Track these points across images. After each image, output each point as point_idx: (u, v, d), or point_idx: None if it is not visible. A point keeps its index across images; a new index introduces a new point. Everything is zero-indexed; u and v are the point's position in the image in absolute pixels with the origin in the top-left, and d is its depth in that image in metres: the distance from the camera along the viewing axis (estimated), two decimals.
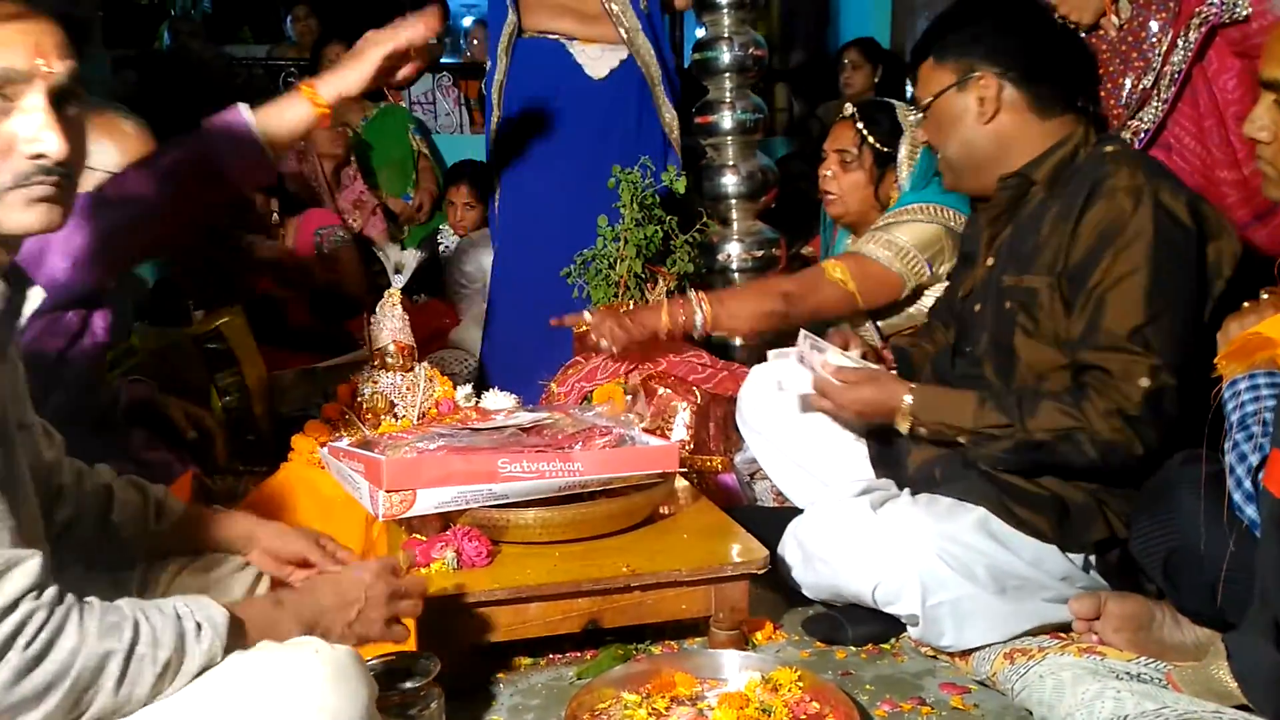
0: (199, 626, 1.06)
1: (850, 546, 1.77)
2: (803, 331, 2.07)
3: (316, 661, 1.08)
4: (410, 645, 1.62)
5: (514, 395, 2.52)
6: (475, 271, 3.55)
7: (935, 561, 1.70)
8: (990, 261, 1.91)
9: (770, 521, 1.99)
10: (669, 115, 2.87)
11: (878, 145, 2.54)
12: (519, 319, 2.91)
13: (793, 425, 2.12)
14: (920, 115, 1.98)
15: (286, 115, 1.91)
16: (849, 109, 2.63)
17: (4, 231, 1.08)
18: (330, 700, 1.06)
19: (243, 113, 1.88)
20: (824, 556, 1.81)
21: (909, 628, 1.78)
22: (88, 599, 1.02)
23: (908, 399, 1.84)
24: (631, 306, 2.58)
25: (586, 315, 2.39)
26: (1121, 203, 1.69)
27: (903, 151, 2.53)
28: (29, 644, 0.94)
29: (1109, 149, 1.80)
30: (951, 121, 1.90)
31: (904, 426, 1.86)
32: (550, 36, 2.81)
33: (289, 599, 1.23)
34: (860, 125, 2.55)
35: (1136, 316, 1.65)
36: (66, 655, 0.96)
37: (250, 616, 1.14)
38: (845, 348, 2.01)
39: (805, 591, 1.91)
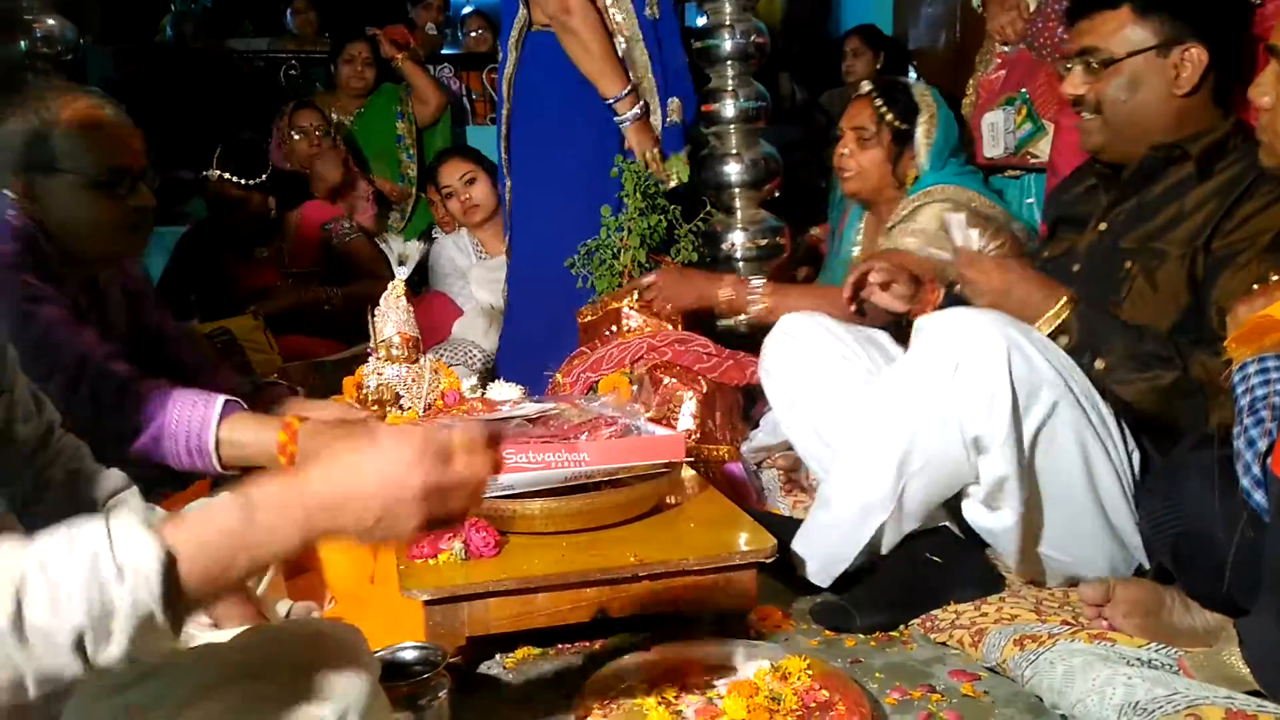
0: (119, 572, 0.80)
1: (930, 332, 1.72)
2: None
3: (319, 642, 1.05)
4: (419, 635, 1.63)
5: (521, 386, 2.52)
6: (447, 265, 3.52)
7: (1019, 335, 1.65)
8: (1103, 226, 1.87)
9: (779, 525, 1.98)
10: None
11: (896, 123, 2.53)
12: (534, 310, 2.90)
13: (821, 373, 2.06)
14: (1085, 65, 1.83)
15: (249, 442, 1.75)
16: (866, 86, 2.64)
17: None
18: (335, 682, 1.01)
19: (212, 419, 1.73)
20: (898, 357, 1.80)
21: (964, 500, 1.78)
22: None
23: (1064, 298, 1.76)
24: (636, 295, 2.57)
25: (649, 278, 2.37)
26: None
27: (920, 130, 2.52)
28: None
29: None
30: (1136, 84, 1.79)
31: (1047, 327, 1.75)
32: None
33: (268, 501, 0.88)
34: (878, 102, 2.55)
35: None
36: None
37: (209, 533, 0.86)
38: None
39: (812, 574, 1.89)
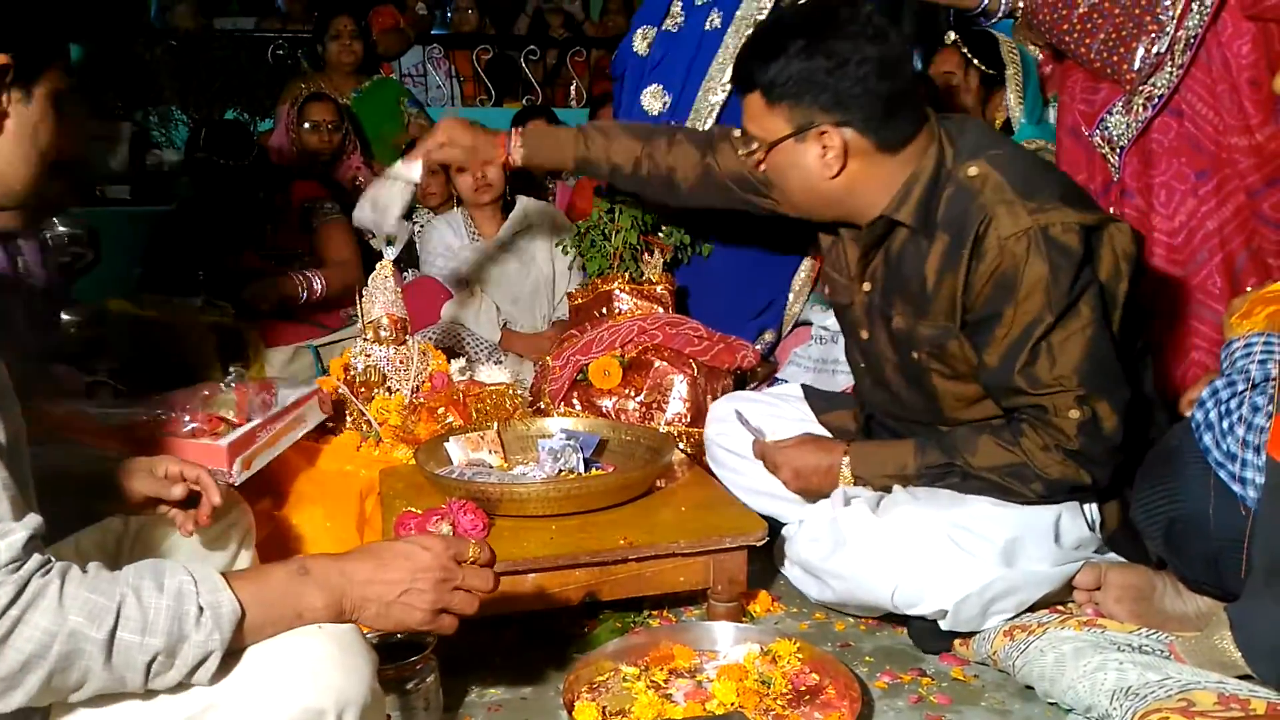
0: (200, 611, 0.96)
1: (859, 556, 1.68)
2: (737, 411, 2.04)
3: (318, 638, 1.05)
4: None
5: (508, 371, 2.50)
6: (438, 244, 3.45)
7: (953, 553, 1.63)
8: (867, 287, 1.82)
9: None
10: None
11: (984, 68, 2.59)
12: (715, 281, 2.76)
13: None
14: (755, 149, 1.75)
15: None
16: (951, 36, 2.73)
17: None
18: (335, 678, 1.03)
19: None
20: (834, 571, 1.72)
21: (938, 622, 1.69)
22: (82, 571, 0.94)
23: (845, 459, 1.80)
24: (627, 278, 2.55)
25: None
26: (1013, 251, 1.57)
27: (1010, 83, 2.59)
28: None
29: (972, 171, 1.64)
30: (793, 169, 1.72)
31: (846, 483, 1.81)
32: None
33: (318, 567, 1.08)
34: (965, 50, 2.61)
35: (1050, 359, 1.60)
36: (40, 635, 0.89)
37: (268, 588, 1.03)
38: None
39: (814, 599, 1.85)
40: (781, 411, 2.05)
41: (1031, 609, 1.68)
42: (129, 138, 4.35)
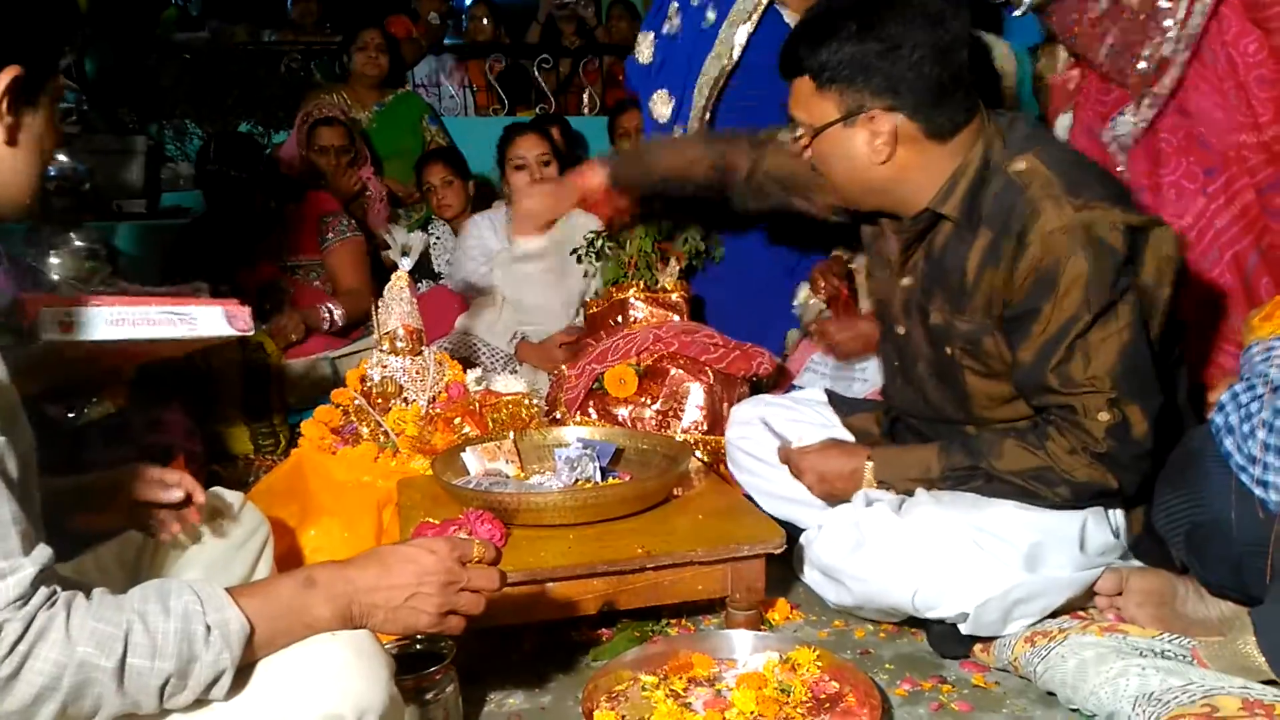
0: (208, 630, 0.97)
1: (879, 556, 1.67)
2: (763, 419, 2.04)
3: (335, 645, 1.06)
4: None
5: (524, 380, 2.50)
6: (475, 247, 3.42)
7: (975, 555, 1.62)
8: (908, 281, 1.80)
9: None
10: None
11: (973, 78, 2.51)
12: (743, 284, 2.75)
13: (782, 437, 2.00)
14: (801, 135, 1.74)
15: None
16: None
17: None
18: (353, 684, 1.03)
19: None
20: (853, 572, 1.71)
21: (958, 625, 1.68)
22: (88, 598, 0.95)
23: (869, 464, 1.79)
24: (642, 286, 2.56)
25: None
26: (1056, 245, 1.56)
27: (1004, 81, 2.46)
28: (4, 658, 0.89)
29: (1020, 166, 1.62)
30: (839, 156, 1.70)
31: (870, 487, 1.79)
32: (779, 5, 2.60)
33: (323, 577, 1.08)
34: None
35: (1084, 359, 1.58)
36: (51, 668, 0.90)
37: (274, 601, 1.04)
38: None
39: (832, 604, 1.84)
40: (803, 415, 2.04)
41: (1053, 614, 1.67)
42: (144, 152, 4.38)
